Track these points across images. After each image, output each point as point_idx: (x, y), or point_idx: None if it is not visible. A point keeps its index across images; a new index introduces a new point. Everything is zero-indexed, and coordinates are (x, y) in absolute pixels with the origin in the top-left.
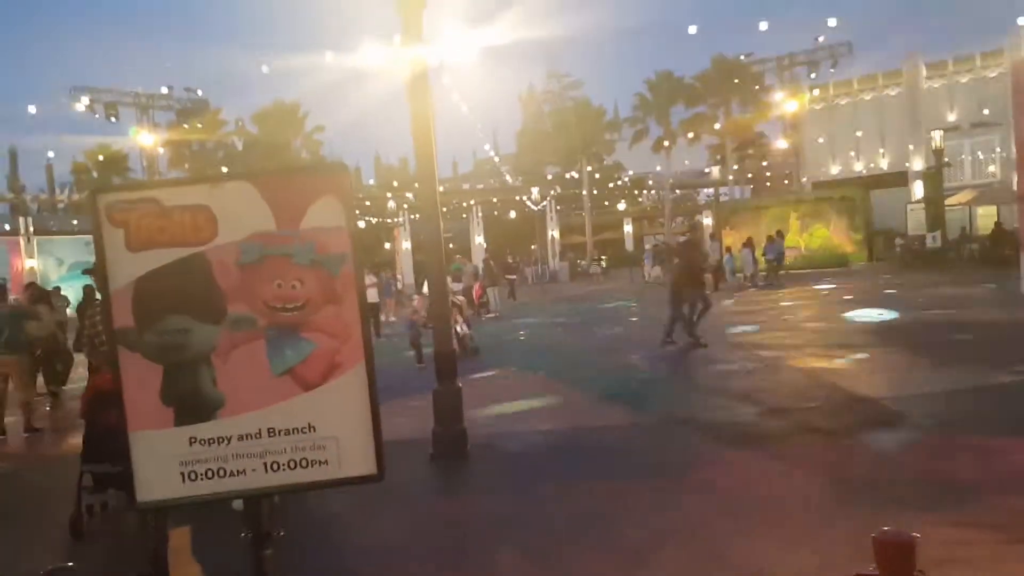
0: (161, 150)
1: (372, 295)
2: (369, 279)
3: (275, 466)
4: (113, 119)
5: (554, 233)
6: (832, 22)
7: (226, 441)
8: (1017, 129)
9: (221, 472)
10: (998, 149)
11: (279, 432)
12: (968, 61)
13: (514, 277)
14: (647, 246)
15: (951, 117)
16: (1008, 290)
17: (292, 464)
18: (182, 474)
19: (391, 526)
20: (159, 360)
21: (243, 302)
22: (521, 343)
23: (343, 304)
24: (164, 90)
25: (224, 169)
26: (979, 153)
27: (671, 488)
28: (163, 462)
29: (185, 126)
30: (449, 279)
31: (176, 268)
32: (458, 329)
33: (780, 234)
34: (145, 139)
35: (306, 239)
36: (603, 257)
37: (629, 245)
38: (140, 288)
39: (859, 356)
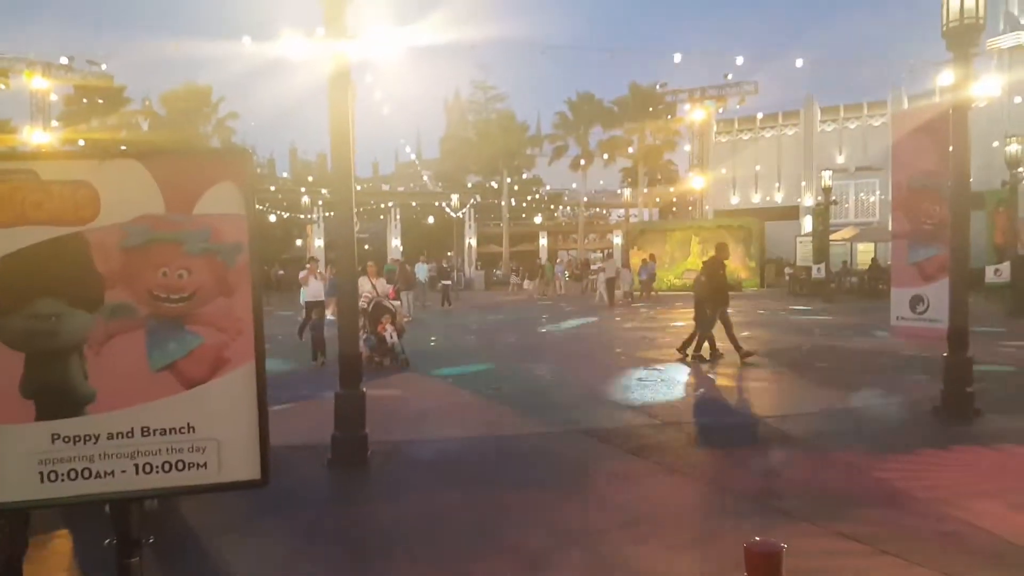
0: (54, 122)
1: (317, 291)
2: (318, 275)
3: (147, 468)
4: (2, 86)
5: (471, 241)
6: (739, 60)
7: (93, 439)
8: (894, 175)
9: (86, 473)
10: (878, 191)
11: (154, 431)
12: (857, 108)
13: (449, 283)
14: (559, 260)
15: (840, 159)
16: (878, 320)
17: (167, 466)
18: (41, 473)
19: (276, 534)
20: (21, 347)
21: (123, 289)
22: (439, 348)
23: (235, 297)
24: (64, 60)
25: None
26: (862, 194)
27: (565, 496)
28: (19, 460)
29: (84, 100)
30: (382, 281)
31: (50, 248)
32: (387, 336)
33: (652, 257)
34: (39, 83)
35: (199, 225)
36: (518, 267)
37: (543, 257)
38: (5, 267)
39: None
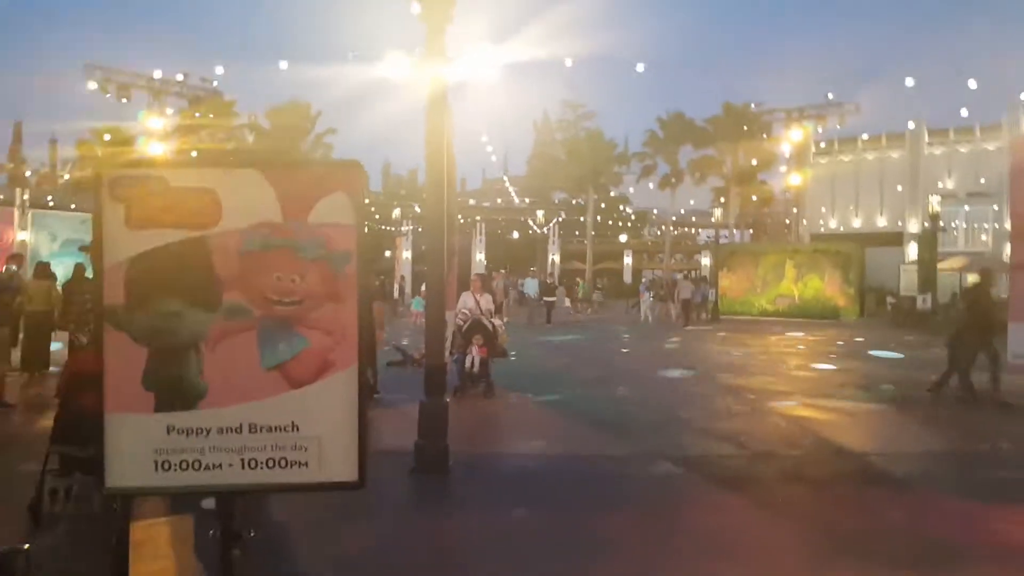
0: (164, 146)
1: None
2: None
3: (253, 463)
4: (124, 100)
5: (555, 257)
6: (840, 79)
7: (205, 433)
8: (1013, 203)
9: (196, 465)
10: (991, 219)
11: (261, 429)
12: (968, 132)
13: (553, 299)
14: (644, 280)
15: (949, 184)
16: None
17: (271, 463)
18: (155, 462)
19: (365, 536)
20: (146, 342)
21: (240, 291)
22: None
23: (343, 303)
24: (179, 77)
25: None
26: (973, 222)
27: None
28: (137, 448)
29: (196, 115)
30: (487, 297)
31: (175, 250)
32: (468, 361)
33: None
34: (154, 124)
35: (313, 233)
36: (601, 287)
37: (627, 277)
38: (135, 267)
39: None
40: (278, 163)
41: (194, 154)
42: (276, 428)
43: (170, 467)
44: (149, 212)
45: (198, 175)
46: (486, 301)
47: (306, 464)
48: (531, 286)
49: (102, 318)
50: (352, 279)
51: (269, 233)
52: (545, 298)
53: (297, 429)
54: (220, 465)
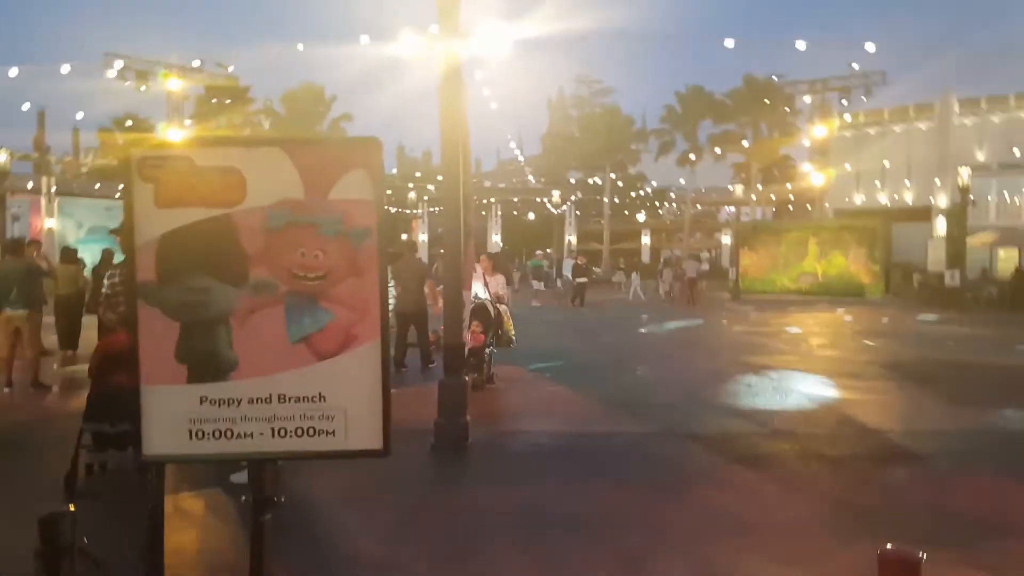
0: (187, 120)
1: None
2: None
3: (282, 432)
4: (144, 87)
5: (571, 238)
6: (870, 47)
7: (236, 403)
8: None
9: (228, 433)
10: None
11: (289, 399)
12: (1001, 101)
13: (585, 280)
14: (663, 258)
15: (980, 156)
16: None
17: (299, 432)
18: (190, 431)
19: (389, 507)
20: (178, 317)
21: (266, 267)
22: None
23: (364, 278)
24: (196, 63)
25: None
26: (1006, 194)
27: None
28: (172, 418)
29: (214, 100)
30: (498, 279)
31: (203, 228)
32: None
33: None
34: (174, 84)
35: (334, 210)
36: (622, 267)
37: (646, 257)
38: (165, 244)
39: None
40: (299, 141)
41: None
42: (304, 398)
43: (204, 435)
44: (177, 191)
45: (223, 154)
46: (496, 284)
47: (333, 433)
48: (567, 267)
49: (135, 295)
50: (373, 254)
51: (292, 210)
52: (577, 279)
53: (324, 399)
54: (251, 434)
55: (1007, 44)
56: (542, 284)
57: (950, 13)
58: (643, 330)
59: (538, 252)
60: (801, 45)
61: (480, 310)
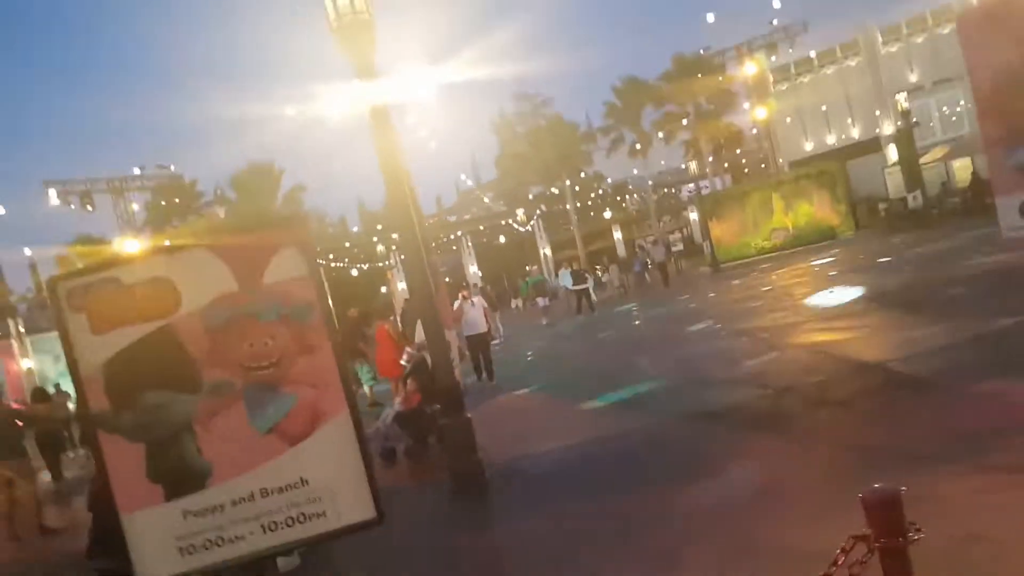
0: (139, 244)
1: (476, 321)
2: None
3: (273, 526)
4: (89, 208)
5: (546, 251)
6: (776, 3)
7: (220, 509)
8: (973, 81)
9: (219, 541)
10: (962, 102)
11: (272, 491)
12: (920, 21)
13: (585, 286)
14: (638, 250)
15: (912, 78)
16: (990, 237)
17: (290, 521)
18: (180, 549)
19: (418, 565)
20: (140, 438)
21: (217, 367)
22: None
23: (317, 353)
24: (136, 171)
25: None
26: (945, 109)
27: (692, 484)
28: (160, 540)
29: (163, 203)
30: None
31: (145, 344)
32: (387, 414)
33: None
34: (131, 246)
35: (272, 293)
36: (598, 266)
37: (621, 251)
38: (110, 370)
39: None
40: (223, 236)
41: (167, 243)
42: (287, 487)
43: (195, 549)
44: (110, 315)
45: (148, 265)
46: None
47: (324, 514)
48: (565, 278)
49: (92, 426)
50: (321, 328)
51: (230, 304)
52: (576, 286)
53: (307, 483)
54: (242, 536)
55: None
56: (547, 299)
57: None
58: (638, 322)
59: (530, 268)
60: (711, 17)
61: (421, 365)
